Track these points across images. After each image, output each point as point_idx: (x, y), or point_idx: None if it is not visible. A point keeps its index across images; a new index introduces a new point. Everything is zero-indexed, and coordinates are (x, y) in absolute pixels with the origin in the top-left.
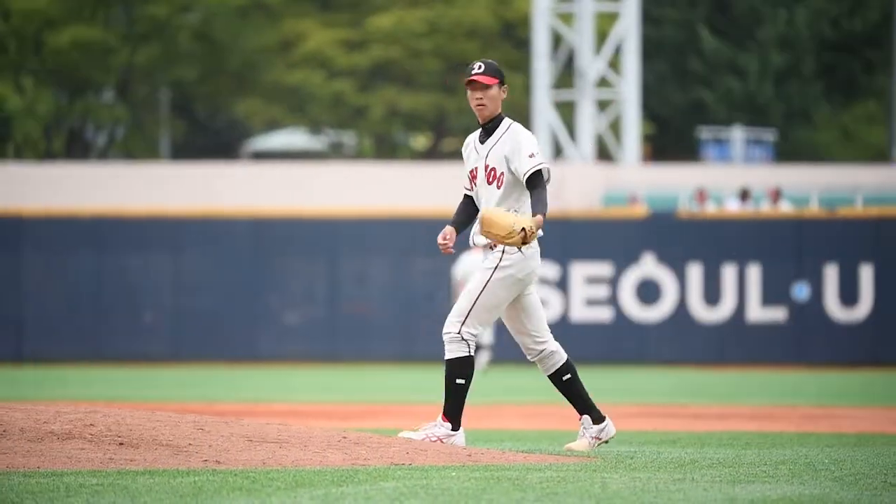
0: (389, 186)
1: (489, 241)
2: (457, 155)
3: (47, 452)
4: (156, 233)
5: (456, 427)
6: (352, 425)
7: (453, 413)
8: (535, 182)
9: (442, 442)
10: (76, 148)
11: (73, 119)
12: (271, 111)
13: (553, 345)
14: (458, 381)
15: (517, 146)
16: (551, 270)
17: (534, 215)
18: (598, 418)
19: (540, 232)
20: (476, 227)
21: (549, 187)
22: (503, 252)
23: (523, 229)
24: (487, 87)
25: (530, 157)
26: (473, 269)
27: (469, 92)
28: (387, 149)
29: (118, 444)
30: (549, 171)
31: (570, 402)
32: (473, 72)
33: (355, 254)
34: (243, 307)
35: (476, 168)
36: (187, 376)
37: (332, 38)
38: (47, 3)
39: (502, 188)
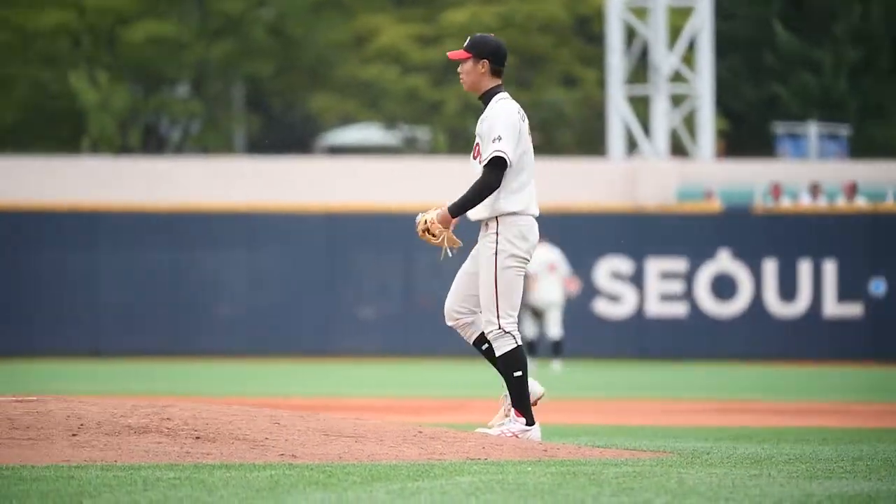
0: (463, 181)
1: (484, 217)
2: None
3: (124, 446)
4: (231, 227)
5: (531, 422)
6: (427, 420)
7: (523, 407)
8: (487, 168)
9: (517, 437)
10: (151, 143)
11: (148, 114)
12: (345, 106)
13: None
14: (516, 374)
15: (490, 126)
16: (625, 265)
17: (449, 207)
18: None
19: (452, 225)
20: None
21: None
22: (497, 234)
23: (426, 222)
24: (462, 61)
25: (494, 140)
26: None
27: None
28: (461, 143)
29: (195, 437)
30: (507, 158)
31: (496, 367)
32: (452, 51)
33: (430, 248)
34: (318, 302)
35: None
36: (262, 371)
37: (406, 33)
38: (123, 0)
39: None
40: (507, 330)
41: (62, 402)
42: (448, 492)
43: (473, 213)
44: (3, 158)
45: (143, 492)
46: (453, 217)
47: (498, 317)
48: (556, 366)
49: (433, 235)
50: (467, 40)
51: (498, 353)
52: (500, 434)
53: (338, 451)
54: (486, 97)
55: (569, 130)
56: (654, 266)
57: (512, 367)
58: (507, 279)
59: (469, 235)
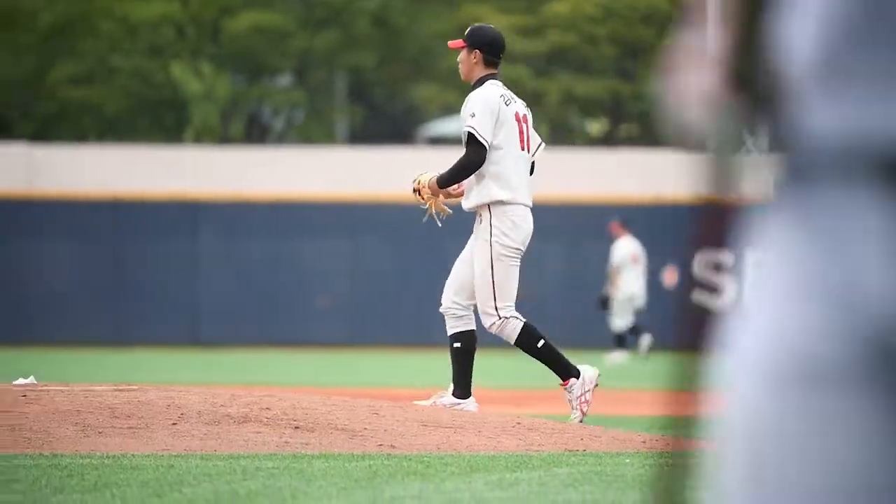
0: (565, 172)
1: (473, 206)
2: (634, 140)
3: (224, 435)
4: (332, 217)
5: (577, 374)
6: (525, 411)
7: (560, 368)
8: (466, 147)
9: (584, 399)
10: (254, 132)
11: (250, 104)
12: (447, 97)
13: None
14: (539, 344)
15: (467, 106)
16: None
17: (437, 177)
18: (463, 395)
19: (441, 195)
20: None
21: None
22: (490, 224)
23: (419, 182)
24: (458, 50)
25: (471, 116)
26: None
27: None
28: (562, 134)
29: (294, 427)
30: (476, 133)
31: (453, 368)
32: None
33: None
34: (417, 292)
35: None
36: (362, 361)
37: (508, 24)
38: None
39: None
40: (507, 316)
41: (162, 391)
42: (546, 483)
43: (465, 203)
44: (107, 148)
45: (242, 481)
46: (441, 187)
47: (496, 308)
48: (618, 356)
49: (423, 197)
50: (467, 30)
51: (512, 340)
52: (433, 404)
53: (436, 441)
54: (477, 85)
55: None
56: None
57: (533, 343)
58: (502, 270)
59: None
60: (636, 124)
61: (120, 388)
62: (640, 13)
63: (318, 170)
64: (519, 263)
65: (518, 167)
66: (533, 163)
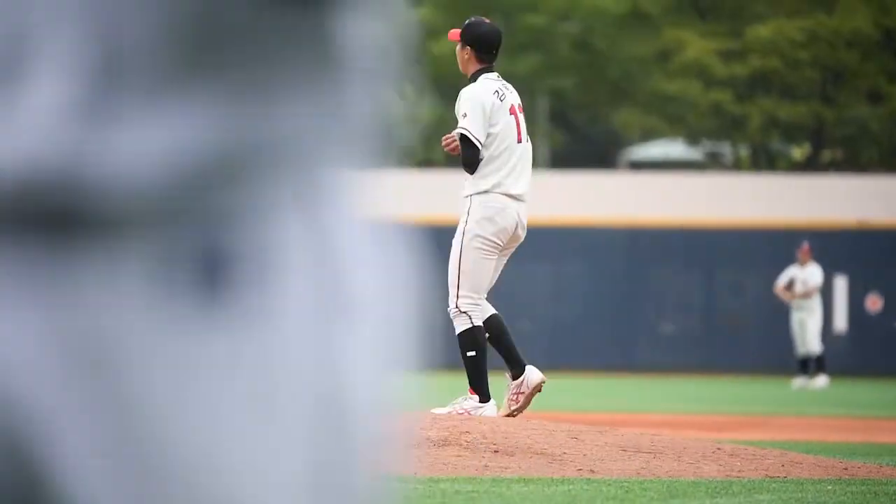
0: (767, 197)
1: (464, 194)
2: (837, 166)
3: (424, 458)
4: (534, 241)
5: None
6: (726, 437)
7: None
8: (461, 144)
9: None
10: (456, 157)
11: (451, 127)
12: (649, 121)
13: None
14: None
15: (458, 106)
16: None
17: None
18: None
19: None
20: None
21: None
22: (468, 214)
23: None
24: (455, 42)
25: (463, 117)
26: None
27: None
28: (764, 159)
29: (493, 451)
30: (469, 134)
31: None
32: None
33: (732, 265)
34: (619, 316)
35: None
36: (562, 385)
37: (710, 48)
38: (430, 14)
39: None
40: (462, 310)
41: None
42: None
43: (463, 189)
44: None
45: None
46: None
47: (457, 297)
48: (821, 381)
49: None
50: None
51: (456, 332)
52: (452, 412)
53: (636, 466)
54: (471, 81)
55: (874, 147)
56: None
57: (466, 346)
58: (470, 259)
59: None
60: (839, 149)
61: None
62: (843, 37)
63: None
64: (493, 257)
65: (512, 158)
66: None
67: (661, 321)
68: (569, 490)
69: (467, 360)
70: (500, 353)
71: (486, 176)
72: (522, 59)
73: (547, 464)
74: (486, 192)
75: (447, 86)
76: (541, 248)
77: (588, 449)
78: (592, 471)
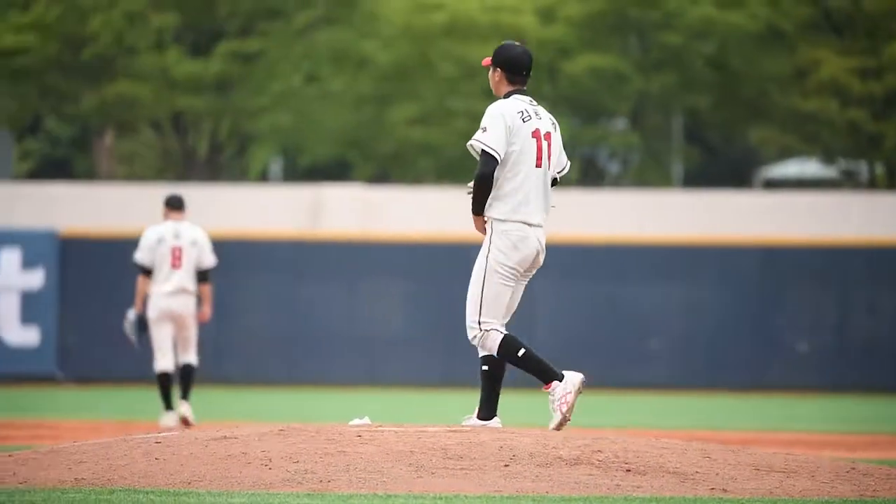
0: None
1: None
2: None
3: (555, 478)
4: (666, 260)
5: (561, 378)
6: (860, 455)
7: (543, 374)
8: (479, 160)
9: (564, 401)
10: (590, 175)
11: (585, 146)
12: (785, 139)
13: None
14: (520, 353)
15: (482, 122)
16: None
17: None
18: (488, 416)
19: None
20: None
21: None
22: (490, 241)
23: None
24: (488, 68)
25: (482, 131)
26: None
27: None
28: None
29: (625, 470)
30: (486, 146)
31: (482, 389)
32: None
33: (865, 282)
34: (751, 334)
35: None
36: (694, 404)
37: (847, 66)
38: (564, 32)
39: None
40: (488, 329)
41: (495, 432)
42: None
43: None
44: (442, 189)
45: None
46: (475, 214)
47: (479, 322)
48: None
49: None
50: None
51: (494, 353)
52: (473, 426)
53: (769, 485)
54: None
55: None
56: None
57: (513, 352)
58: (492, 286)
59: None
60: None
61: (453, 429)
62: None
63: (651, 212)
64: (513, 284)
65: (528, 183)
66: (555, 179)
67: (795, 340)
68: None
69: (522, 361)
70: (527, 369)
71: (502, 199)
72: (657, 78)
73: (679, 483)
74: (501, 220)
75: (581, 104)
76: (674, 267)
77: (720, 468)
78: (725, 489)
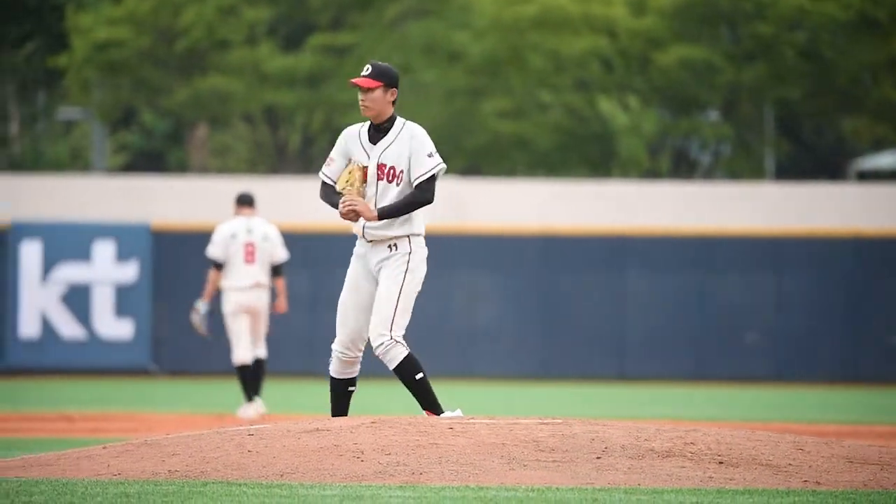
0: None
1: (396, 235)
2: None
3: (647, 470)
4: (758, 252)
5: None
6: None
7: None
8: (426, 184)
9: None
10: (681, 167)
11: (677, 138)
12: (879, 129)
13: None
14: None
15: (421, 143)
16: None
17: (379, 210)
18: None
19: (359, 224)
20: (366, 221)
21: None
22: (410, 254)
23: (351, 203)
24: (369, 89)
25: (429, 156)
26: None
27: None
28: None
29: (718, 462)
30: (442, 171)
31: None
32: (361, 74)
33: None
34: (844, 326)
35: (367, 166)
36: (788, 396)
37: None
38: (655, 23)
39: (401, 186)
40: (398, 340)
41: (587, 425)
42: None
43: (387, 231)
44: (535, 182)
45: None
46: (379, 219)
47: (391, 329)
48: None
49: (350, 209)
50: (370, 69)
51: (393, 365)
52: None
53: (863, 478)
54: (389, 122)
55: None
56: None
57: (412, 371)
58: (408, 298)
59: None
60: None
61: (545, 421)
62: None
63: (745, 205)
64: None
65: None
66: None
67: (888, 332)
68: (794, 502)
69: (416, 383)
70: (417, 392)
71: (419, 215)
72: (749, 69)
73: (772, 475)
74: (420, 234)
75: (672, 96)
76: (764, 258)
77: (814, 460)
78: (818, 482)
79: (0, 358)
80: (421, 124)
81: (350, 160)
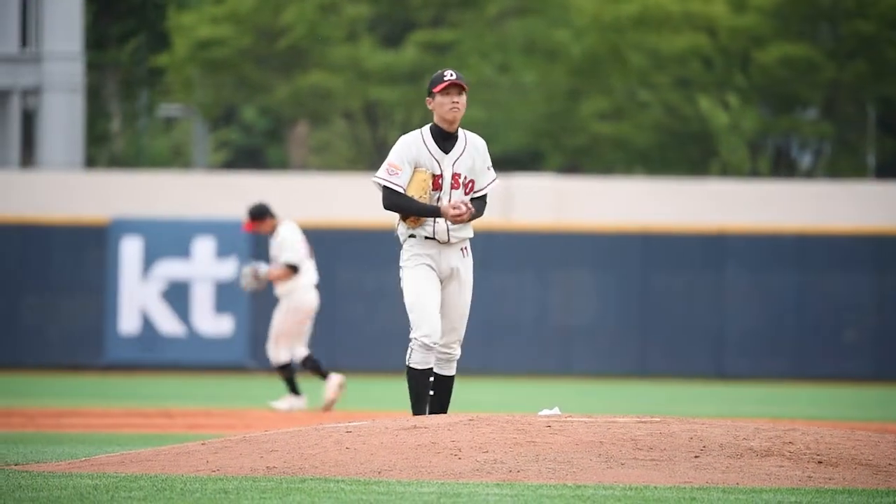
0: None
1: (464, 238)
2: None
3: (746, 469)
4: (858, 251)
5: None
6: None
7: (421, 412)
8: (483, 197)
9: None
10: (781, 166)
11: (777, 137)
12: None
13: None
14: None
15: (485, 158)
16: None
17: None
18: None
19: (440, 226)
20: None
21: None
22: (471, 260)
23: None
24: (464, 91)
25: (488, 169)
26: None
27: (443, 98)
28: None
29: (817, 462)
30: (498, 185)
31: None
32: (454, 77)
33: None
34: None
35: (440, 175)
36: (888, 396)
37: None
38: (756, 21)
39: (469, 195)
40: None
41: (685, 423)
42: None
43: (466, 233)
44: (634, 180)
45: None
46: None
47: (461, 340)
48: None
49: (459, 219)
50: (458, 75)
51: (452, 372)
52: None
53: None
54: (456, 130)
55: None
56: None
57: (451, 387)
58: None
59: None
60: None
61: (643, 419)
62: None
63: (845, 203)
64: None
65: None
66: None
67: None
68: (894, 502)
69: (446, 395)
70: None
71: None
72: (850, 67)
73: (872, 475)
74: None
75: (772, 94)
76: (865, 257)
77: None
78: None
79: (100, 354)
80: (519, 124)
81: (416, 168)
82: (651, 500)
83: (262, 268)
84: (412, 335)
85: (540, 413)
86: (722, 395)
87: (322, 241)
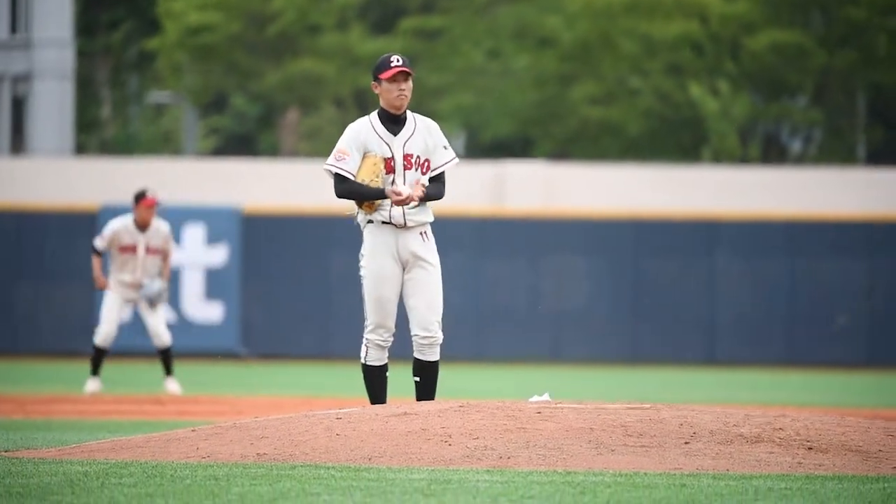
0: None
1: (423, 223)
2: None
3: (736, 455)
4: (849, 237)
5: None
6: None
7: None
8: (439, 176)
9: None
10: (771, 152)
11: (767, 123)
12: None
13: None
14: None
15: (438, 138)
16: None
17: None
18: None
19: (396, 210)
20: (410, 207)
21: None
22: (434, 244)
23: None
24: (410, 78)
25: (445, 149)
26: None
27: (390, 84)
28: None
29: (807, 448)
30: (455, 164)
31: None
32: (402, 64)
33: None
34: None
35: (391, 157)
36: (881, 381)
37: None
38: (747, 8)
39: (426, 175)
40: (441, 334)
41: (675, 410)
42: None
43: (425, 216)
44: (624, 167)
45: (753, 502)
46: (422, 201)
47: (439, 322)
48: None
49: (402, 201)
50: (404, 60)
51: (435, 357)
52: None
53: None
54: (404, 113)
55: None
56: None
57: (437, 369)
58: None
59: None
60: None
61: (633, 406)
62: None
63: (835, 189)
64: None
65: None
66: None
67: None
68: (884, 488)
69: (433, 380)
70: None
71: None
72: (840, 54)
73: (861, 461)
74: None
75: (763, 81)
76: (855, 243)
77: None
78: None
79: (91, 341)
80: (509, 110)
81: (366, 153)
82: (641, 486)
83: (157, 284)
84: (366, 334)
85: (530, 399)
86: (713, 381)
87: (314, 228)
